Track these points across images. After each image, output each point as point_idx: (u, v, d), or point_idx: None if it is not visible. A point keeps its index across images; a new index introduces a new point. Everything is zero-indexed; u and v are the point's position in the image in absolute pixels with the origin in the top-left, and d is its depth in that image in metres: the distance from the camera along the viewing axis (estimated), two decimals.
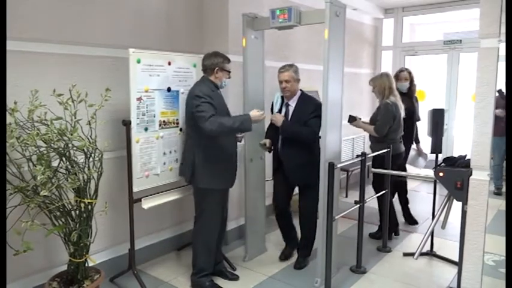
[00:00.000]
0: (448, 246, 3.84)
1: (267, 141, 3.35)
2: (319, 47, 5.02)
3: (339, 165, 3.04)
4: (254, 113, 2.91)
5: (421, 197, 5.36)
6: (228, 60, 3.00)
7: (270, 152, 3.43)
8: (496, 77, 2.32)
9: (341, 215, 3.16)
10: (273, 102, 3.47)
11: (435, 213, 3.16)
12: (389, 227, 3.93)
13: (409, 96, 4.30)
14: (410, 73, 4.33)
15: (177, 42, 3.65)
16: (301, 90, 3.33)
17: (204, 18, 3.94)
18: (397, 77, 4.28)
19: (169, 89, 3.13)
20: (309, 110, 3.20)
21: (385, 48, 6.80)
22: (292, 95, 3.28)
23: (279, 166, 3.39)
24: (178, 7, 3.70)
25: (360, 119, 3.97)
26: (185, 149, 3.12)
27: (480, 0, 2.31)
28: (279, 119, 3.21)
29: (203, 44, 3.90)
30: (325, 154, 2.97)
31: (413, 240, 4.04)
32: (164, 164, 3.17)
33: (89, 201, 2.58)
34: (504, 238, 2.08)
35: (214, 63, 2.93)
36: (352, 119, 3.93)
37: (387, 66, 6.79)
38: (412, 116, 4.27)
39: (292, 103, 3.30)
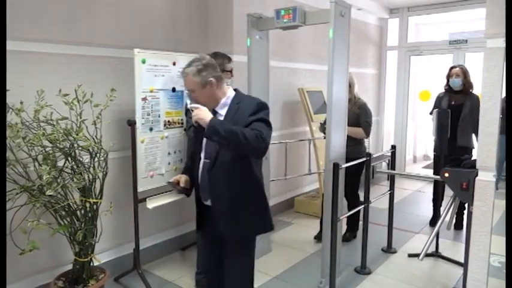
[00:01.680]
0: (453, 247, 3.82)
1: (182, 179, 2.18)
2: (324, 47, 5.02)
3: (343, 166, 3.03)
4: None
5: (427, 197, 5.33)
6: (229, 59, 2.97)
7: (186, 194, 2.25)
8: (503, 77, 2.30)
9: (346, 215, 3.15)
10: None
11: (441, 214, 3.14)
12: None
13: (464, 93, 4.04)
14: (462, 69, 4.05)
15: (181, 42, 3.66)
16: (235, 90, 2.19)
17: (208, 19, 3.94)
18: (449, 73, 4.17)
19: (174, 89, 3.13)
20: (247, 112, 2.03)
21: (390, 48, 6.78)
22: (213, 103, 2.09)
23: (201, 211, 2.23)
24: (183, 7, 3.71)
25: None
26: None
27: (486, 0, 2.29)
28: (206, 113, 1.95)
29: (208, 44, 3.90)
30: (329, 154, 2.96)
31: (418, 241, 4.02)
32: (169, 164, 3.18)
33: (94, 201, 2.59)
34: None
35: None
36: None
37: (392, 66, 6.77)
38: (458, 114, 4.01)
39: (221, 110, 2.11)
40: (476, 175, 2.42)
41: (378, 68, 6.75)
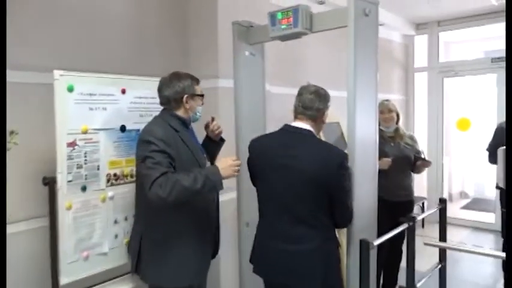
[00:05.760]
0: None
1: None
2: (339, 65, 3.97)
3: (376, 243, 1.97)
4: (227, 162, 1.84)
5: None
6: (197, 80, 2.03)
7: None
8: None
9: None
10: None
11: None
12: None
13: None
14: None
15: (148, 63, 2.72)
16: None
17: (186, 31, 3.03)
18: None
19: (123, 128, 2.17)
20: None
21: (418, 69, 5.78)
22: None
23: None
24: (151, 17, 2.81)
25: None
26: (135, 218, 2.13)
27: None
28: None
29: (187, 64, 2.97)
30: (353, 225, 1.92)
31: None
32: (116, 236, 2.17)
33: None
34: None
35: (180, 90, 1.92)
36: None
37: (422, 90, 5.75)
38: None
39: None
40: None
41: (404, 93, 5.74)
